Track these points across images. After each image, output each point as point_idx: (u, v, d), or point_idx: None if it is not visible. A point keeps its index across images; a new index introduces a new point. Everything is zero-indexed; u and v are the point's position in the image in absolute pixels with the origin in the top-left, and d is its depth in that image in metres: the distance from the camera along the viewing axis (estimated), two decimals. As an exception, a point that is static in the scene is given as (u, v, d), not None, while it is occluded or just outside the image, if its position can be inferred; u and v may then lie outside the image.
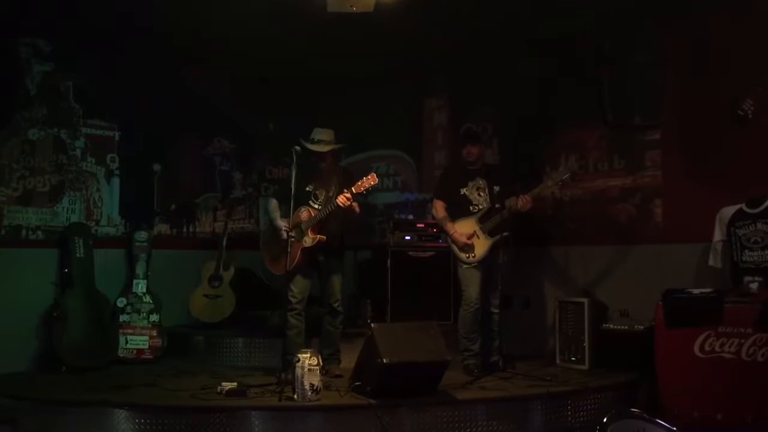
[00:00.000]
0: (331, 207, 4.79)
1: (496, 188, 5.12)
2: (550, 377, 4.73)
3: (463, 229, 5.10)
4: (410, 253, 6.13)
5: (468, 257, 5.06)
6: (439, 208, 5.27)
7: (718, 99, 4.92)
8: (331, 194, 4.93)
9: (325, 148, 4.98)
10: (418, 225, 6.29)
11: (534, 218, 5.47)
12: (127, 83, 6.03)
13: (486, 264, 5.08)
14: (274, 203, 5.13)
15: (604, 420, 1.89)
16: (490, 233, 5.04)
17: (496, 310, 5.15)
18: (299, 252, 4.82)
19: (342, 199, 4.71)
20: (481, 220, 5.07)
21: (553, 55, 6.04)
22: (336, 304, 5.02)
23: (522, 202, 4.92)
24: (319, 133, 5.01)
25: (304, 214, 4.90)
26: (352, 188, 4.72)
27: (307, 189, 4.98)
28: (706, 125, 5.09)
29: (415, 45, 6.07)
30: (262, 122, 7.03)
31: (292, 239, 4.70)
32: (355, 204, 4.82)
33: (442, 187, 5.43)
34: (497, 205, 5.05)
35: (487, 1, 5.33)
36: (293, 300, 4.89)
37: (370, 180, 4.73)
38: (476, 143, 5.23)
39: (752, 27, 4.85)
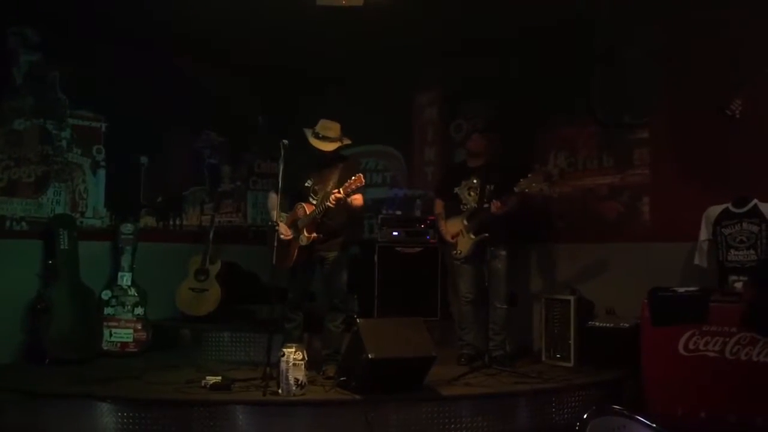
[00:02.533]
0: (323, 206, 4.59)
1: (490, 187, 5.17)
2: (536, 374, 4.75)
3: (451, 227, 5.32)
4: (398, 248, 6.12)
5: (456, 254, 5.26)
6: (436, 206, 5.58)
7: (707, 98, 4.92)
8: (328, 190, 4.73)
9: (329, 147, 4.73)
10: (406, 221, 6.28)
11: (522, 215, 5.46)
12: (115, 75, 5.98)
13: (477, 261, 5.18)
14: (272, 198, 4.88)
15: (585, 416, 1.88)
16: (475, 232, 5.13)
17: (501, 306, 5.20)
18: (296, 250, 4.71)
19: (333, 200, 4.51)
20: (468, 219, 5.18)
21: (545, 53, 6.03)
22: (336, 301, 4.91)
23: (494, 206, 4.98)
24: (325, 128, 4.75)
25: (300, 211, 4.74)
26: (341, 189, 4.51)
27: (307, 184, 4.79)
28: (694, 124, 5.10)
29: (405, 39, 6.05)
30: (252, 115, 6.99)
31: (285, 237, 4.66)
32: (355, 197, 4.60)
33: (440, 185, 5.71)
34: (485, 205, 5.10)
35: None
36: (290, 295, 4.91)
37: (356, 182, 4.46)
38: (479, 134, 5.39)
39: (743, 26, 4.86)
